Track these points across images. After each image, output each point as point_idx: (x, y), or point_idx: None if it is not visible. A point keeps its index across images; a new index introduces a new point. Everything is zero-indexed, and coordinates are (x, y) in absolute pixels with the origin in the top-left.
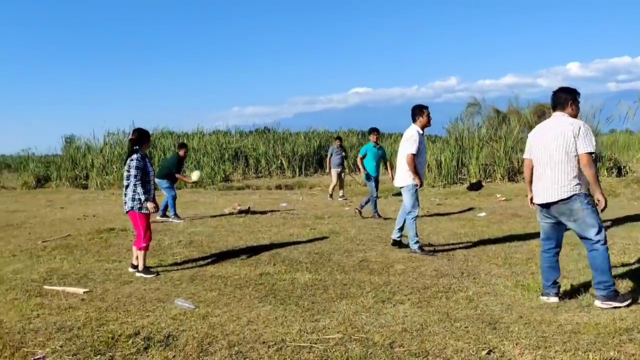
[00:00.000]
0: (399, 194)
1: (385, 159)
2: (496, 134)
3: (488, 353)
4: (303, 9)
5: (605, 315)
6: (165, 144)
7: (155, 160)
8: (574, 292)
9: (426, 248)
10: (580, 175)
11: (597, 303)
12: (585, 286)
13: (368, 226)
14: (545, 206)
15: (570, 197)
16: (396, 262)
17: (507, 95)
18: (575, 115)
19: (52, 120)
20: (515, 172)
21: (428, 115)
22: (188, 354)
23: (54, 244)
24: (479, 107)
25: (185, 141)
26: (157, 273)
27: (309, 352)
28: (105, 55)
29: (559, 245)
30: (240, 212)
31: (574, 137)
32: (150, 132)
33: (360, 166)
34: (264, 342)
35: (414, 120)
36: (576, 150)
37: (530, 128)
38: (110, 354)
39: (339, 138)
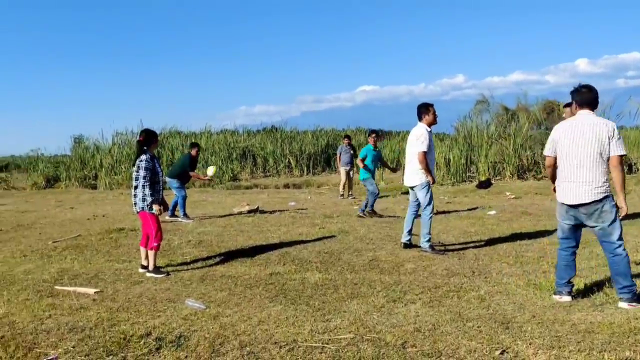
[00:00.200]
0: (408, 192)
1: (381, 160)
2: (505, 132)
3: (501, 353)
4: (310, 8)
5: (619, 314)
6: (173, 143)
7: (163, 160)
8: (587, 290)
9: (437, 247)
10: (609, 177)
11: (624, 305)
12: (598, 285)
13: (377, 225)
14: (575, 207)
15: (603, 198)
16: (406, 261)
17: (515, 92)
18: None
19: (61, 121)
20: (525, 169)
21: (434, 113)
22: (200, 355)
23: (64, 244)
24: (487, 105)
25: (193, 140)
26: (168, 273)
27: (321, 353)
28: (113, 55)
29: (577, 245)
30: (249, 211)
31: (609, 139)
32: (158, 132)
33: (362, 167)
34: (275, 343)
35: (420, 119)
36: (609, 151)
37: (540, 125)
38: (122, 354)
39: (347, 136)
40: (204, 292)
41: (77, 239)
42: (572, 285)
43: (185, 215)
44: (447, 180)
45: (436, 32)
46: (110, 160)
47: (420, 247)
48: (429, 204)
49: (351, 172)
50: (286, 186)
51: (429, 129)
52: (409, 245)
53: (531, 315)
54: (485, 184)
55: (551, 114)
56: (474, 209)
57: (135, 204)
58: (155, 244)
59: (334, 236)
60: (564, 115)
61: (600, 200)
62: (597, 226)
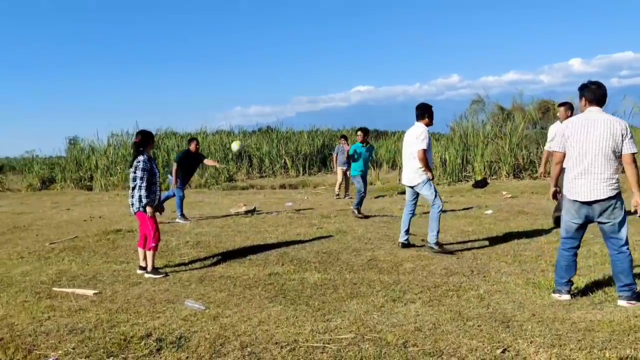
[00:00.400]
0: (404, 192)
1: (372, 158)
2: (501, 131)
3: (503, 352)
4: (304, 8)
5: (619, 312)
6: (169, 144)
7: (159, 161)
8: (586, 289)
9: (444, 246)
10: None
11: (623, 303)
12: (597, 283)
13: (375, 225)
14: (589, 203)
15: (617, 194)
16: (405, 260)
17: (510, 91)
18: None
19: (56, 122)
20: (521, 169)
21: (432, 115)
22: (201, 355)
23: (61, 246)
24: (483, 104)
25: (187, 148)
26: (166, 274)
27: (322, 353)
28: (108, 55)
29: (580, 245)
30: (246, 212)
31: (622, 136)
32: (154, 133)
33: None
34: (276, 343)
35: (421, 119)
36: (621, 149)
37: (535, 124)
38: (123, 355)
39: (344, 137)
40: (203, 292)
41: (74, 241)
42: (572, 284)
43: (182, 216)
44: (444, 179)
45: (431, 32)
46: (106, 161)
47: (417, 246)
48: (435, 196)
49: (348, 172)
50: (282, 187)
51: (427, 129)
52: (406, 245)
53: (531, 314)
54: (481, 184)
55: (546, 113)
56: (470, 208)
57: (132, 204)
58: (153, 245)
59: (331, 236)
60: (558, 115)
61: (615, 197)
62: (608, 222)
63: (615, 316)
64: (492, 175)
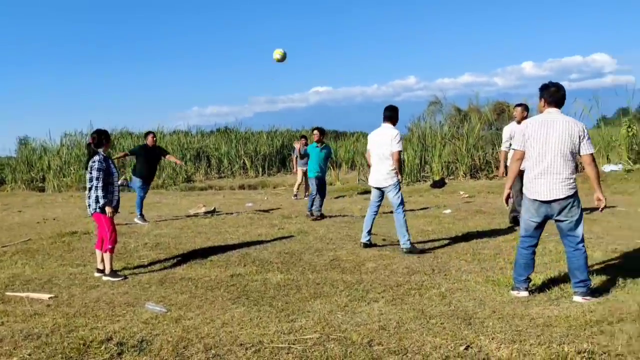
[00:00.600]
0: (366, 192)
1: (332, 158)
2: (458, 132)
3: (466, 349)
4: (261, 7)
5: (575, 308)
6: (124, 144)
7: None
8: (543, 286)
9: (416, 245)
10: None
11: (578, 298)
12: (553, 280)
13: (336, 225)
14: (549, 202)
15: (574, 193)
16: (367, 260)
17: (466, 93)
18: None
19: (5, 121)
20: (477, 169)
21: (398, 117)
22: (164, 359)
23: (14, 249)
24: (440, 106)
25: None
26: (125, 276)
27: (288, 353)
28: (60, 52)
29: (537, 243)
30: (206, 212)
31: (579, 138)
32: (109, 133)
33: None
34: (241, 344)
35: (389, 120)
36: (579, 150)
37: (491, 126)
38: None
39: (303, 137)
40: (164, 295)
41: (27, 243)
42: (530, 281)
43: (141, 216)
44: (402, 180)
45: (388, 33)
46: (59, 162)
47: (379, 245)
48: (401, 203)
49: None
50: (242, 187)
51: None
52: (368, 245)
53: (491, 311)
54: (439, 184)
55: (501, 114)
56: (428, 208)
57: (89, 205)
58: (110, 246)
59: (293, 236)
60: (514, 115)
61: (572, 196)
62: (566, 220)
63: (571, 311)
64: (450, 176)
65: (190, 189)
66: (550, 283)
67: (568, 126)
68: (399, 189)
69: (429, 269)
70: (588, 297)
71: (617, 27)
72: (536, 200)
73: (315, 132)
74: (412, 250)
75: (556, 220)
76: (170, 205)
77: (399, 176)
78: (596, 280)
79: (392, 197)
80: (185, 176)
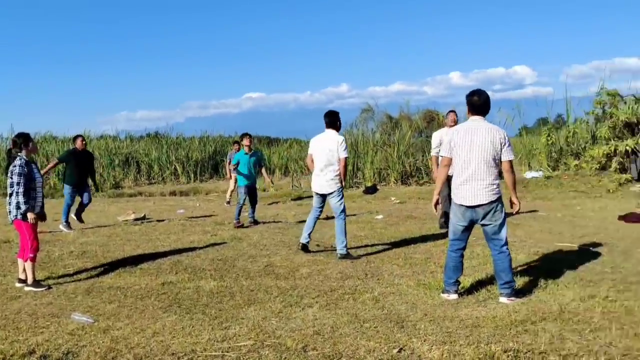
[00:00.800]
0: (299, 198)
1: (261, 165)
2: (389, 139)
3: (399, 351)
4: (192, 10)
5: (501, 308)
6: (48, 149)
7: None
8: (471, 288)
9: (350, 251)
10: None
11: (504, 300)
12: (481, 283)
13: (270, 231)
14: (473, 207)
15: (497, 199)
16: (301, 265)
17: (397, 101)
18: None
19: None
20: (408, 175)
21: (340, 123)
22: None
23: None
24: (372, 113)
25: (70, 147)
26: (49, 286)
27: None
28: None
29: (466, 246)
30: (135, 219)
31: (501, 145)
32: (32, 137)
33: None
34: (173, 354)
35: (331, 126)
36: (501, 157)
37: (421, 133)
38: None
39: (237, 142)
40: (91, 305)
41: None
42: (459, 284)
43: (67, 223)
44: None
45: (320, 42)
46: None
47: (313, 251)
48: (343, 210)
49: None
50: (173, 193)
51: None
52: (305, 247)
53: (423, 314)
54: (371, 190)
55: (431, 122)
56: (361, 213)
57: (9, 212)
58: (31, 255)
59: (226, 243)
60: (445, 122)
61: (496, 201)
62: (490, 224)
63: (498, 312)
64: (382, 182)
65: (118, 195)
66: (478, 285)
67: (491, 133)
68: (342, 196)
69: (362, 274)
70: (513, 298)
71: (537, 40)
72: (462, 205)
73: (246, 138)
74: (348, 256)
75: (482, 225)
76: (97, 213)
77: (343, 182)
78: (520, 282)
79: (335, 203)
80: (113, 182)
